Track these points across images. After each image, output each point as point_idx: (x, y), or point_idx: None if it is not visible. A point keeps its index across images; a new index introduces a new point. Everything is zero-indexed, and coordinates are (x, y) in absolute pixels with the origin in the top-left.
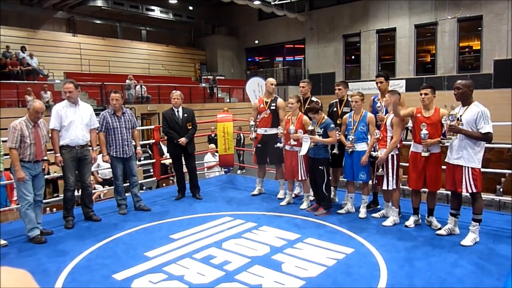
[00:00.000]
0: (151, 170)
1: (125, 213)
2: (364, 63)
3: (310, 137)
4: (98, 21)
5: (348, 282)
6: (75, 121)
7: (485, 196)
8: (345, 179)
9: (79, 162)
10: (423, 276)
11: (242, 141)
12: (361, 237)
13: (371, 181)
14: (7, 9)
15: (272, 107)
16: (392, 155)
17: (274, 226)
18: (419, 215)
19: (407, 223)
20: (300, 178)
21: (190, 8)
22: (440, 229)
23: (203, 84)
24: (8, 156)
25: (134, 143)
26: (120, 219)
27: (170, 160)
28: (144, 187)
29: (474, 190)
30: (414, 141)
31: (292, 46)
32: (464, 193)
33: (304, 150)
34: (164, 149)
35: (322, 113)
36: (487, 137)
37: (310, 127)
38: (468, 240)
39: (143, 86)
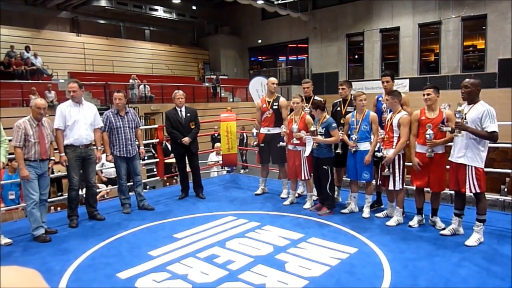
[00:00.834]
0: (155, 170)
1: (129, 212)
2: (367, 62)
3: (313, 137)
4: (101, 21)
5: (352, 281)
6: (79, 121)
7: (490, 196)
8: (349, 179)
9: (83, 161)
10: (427, 276)
11: (245, 141)
12: (364, 237)
13: (374, 180)
14: (11, 9)
15: (274, 107)
16: (399, 155)
17: (278, 226)
18: (423, 215)
19: (411, 223)
20: (303, 178)
21: (193, 7)
22: (444, 229)
23: (206, 84)
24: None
25: (137, 143)
26: (124, 218)
27: (174, 160)
28: (147, 187)
29: (478, 190)
30: (418, 142)
31: (295, 45)
32: (468, 193)
33: (307, 151)
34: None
35: (324, 112)
36: (492, 136)
37: (312, 128)
38: (472, 240)
39: (146, 86)
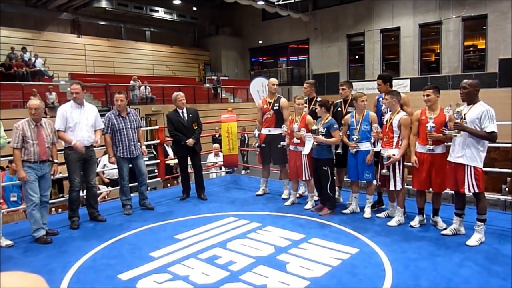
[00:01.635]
0: (156, 171)
1: (130, 213)
2: (368, 62)
3: (314, 136)
4: (102, 22)
5: (353, 282)
6: (80, 122)
7: (491, 195)
8: (350, 179)
9: (84, 162)
10: (429, 276)
11: (246, 141)
12: (366, 237)
13: (375, 181)
14: (12, 10)
15: (275, 107)
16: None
17: (279, 226)
18: (424, 215)
19: (412, 223)
20: (304, 178)
21: (194, 8)
22: (445, 229)
23: (207, 85)
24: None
25: (139, 143)
26: (125, 219)
27: (175, 161)
28: (148, 188)
29: (477, 191)
30: (418, 142)
31: (296, 46)
32: (466, 193)
33: (307, 149)
34: (169, 150)
35: (328, 113)
36: (491, 136)
37: (314, 127)
38: (473, 240)
39: (147, 87)
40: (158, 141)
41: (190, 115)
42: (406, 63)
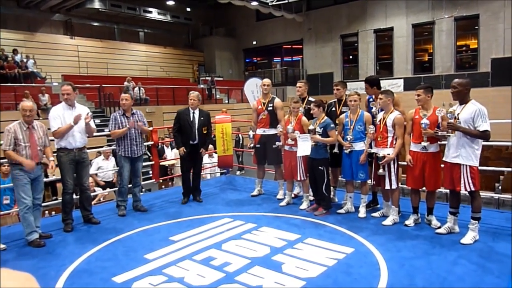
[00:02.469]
0: (150, 172)
1: (124, 214)
2: (362, 63)
3: (311, 136)
4: (95, 23)
5: (349, 282)
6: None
7: (484, 194)
8: (344, 179)
9: (77, 164)
10: (424, 275)
11: (241, 142)
12: (361, 237)
13: (369, 180)
14: (4, 12)
15: (269, 108)
16: None
17: (274, 227)
18: (419, 214)
19: (407, 222)
20: (299, 179)
21: (188, 9)
22: (439, 227)
23: (201, 86)
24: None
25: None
26: (119, 221)
27: (170, 162)
28: (143, 189)
29: (473, 189)
30: (412, 141)
31: (290, 46)
32: (462, 191)
33: (306, 150)
34: (167, 151)
35: (324, 112)
36: (485, 135)
37: (311, 127)
38: (467, 239)
39: (141, 88)
40: (152, 142)
41: (202, 118)
42: (400, 63)
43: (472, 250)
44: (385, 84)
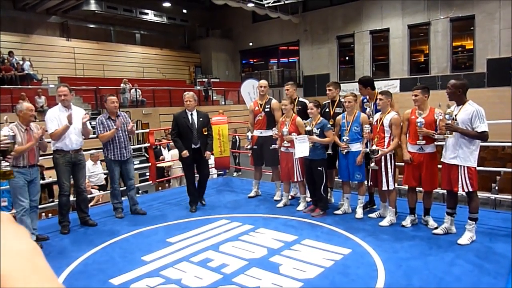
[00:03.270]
0: (147, 174)
1: (122, 216)
2: (358, 64)
3: (309, 137)
4: (91, 25)
5: (346, 282)
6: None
7: (481, 194)
8: (341, 180)
9: (73, 166)
10: (421, 275)
11: (237, 143)
12: (358, 238)
13: (366, 181)
14: (0, 14)
15: (266, 109)
16: (390, 155)
17: (271, 228)
18: (416, 215)
19: (403, 222)
20: (295, 180)
21: (184, 11)
22: (436, 228)
23: (198, 87)
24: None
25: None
26: (116, 223)
27: (167, 163)
28: (140, 191)
29: (471, 189)
30: (409, 142)
31: (286, 48)
32: (460, 192)
33: (304, 151)
34: (165, 152)
35: (318, 113)
36: (483, 136)
37: (308, 128)
38: (464, 239)
39: (137, 90)
40: (148, 144)
41: (201, 119)
42: (396, 64)
43: (469, 250)
44: (381, 85)
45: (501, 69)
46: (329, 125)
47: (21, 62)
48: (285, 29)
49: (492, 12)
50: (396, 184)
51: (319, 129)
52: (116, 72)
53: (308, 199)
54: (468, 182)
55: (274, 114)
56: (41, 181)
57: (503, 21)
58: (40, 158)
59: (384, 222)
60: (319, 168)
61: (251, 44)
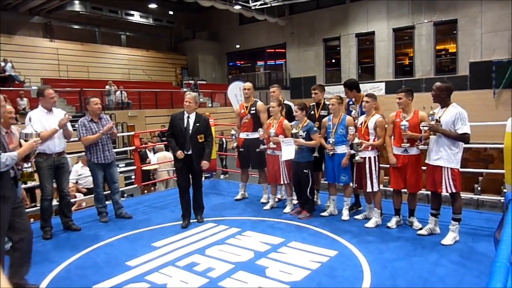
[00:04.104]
0: (133, 177)
1: (107, 221)
2: (344, 66)
3: (295, 140)
4: (76, 26)
5: (332, 284)
6: (51, 128)
7: (464, 195)
8: (327, 182)
9: (56, 170)
10: (406, 276)
11: (224, 146)
12: (344, 239)
13: (352, 183)
14: None
15: (252, 111)
16: (375, 157)
17: (258, 231)
18: (401, 216)
19: (389, 224)
20: (282, 182)
21: (170, 12)
22: (421, 229)
23: (185, 89)
24: None
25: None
26: (100, 228)
27: (153, 166)
28: (125, 194)
29: (454, 190)
30: (394, 144)
31: (273, 50)
32: (444, 193)
33: (290, 154)
34: (150, 155)
35: (304, 116)
36: (464, 138)
37: (294, 130)
38: (448, 239)
39: (123, 92)
40: (133, 147)
41: (197, 124)
42: (381, 66)
43: (453, 250)
44: (367, 87)
45: (483, 72)
46: (315, 128)
47: (2, 64)
48: (272, 31)
49: (474, 16)
50: (381, 186)
51: (305, 132)
52: (101, 73)
53: (295, 202)
54: (451, 183)
55: (259, 116)
56: (23, 185)
57: (485, 25)
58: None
59: (370, 224)
60: (305, 170)
61: (238, 46)
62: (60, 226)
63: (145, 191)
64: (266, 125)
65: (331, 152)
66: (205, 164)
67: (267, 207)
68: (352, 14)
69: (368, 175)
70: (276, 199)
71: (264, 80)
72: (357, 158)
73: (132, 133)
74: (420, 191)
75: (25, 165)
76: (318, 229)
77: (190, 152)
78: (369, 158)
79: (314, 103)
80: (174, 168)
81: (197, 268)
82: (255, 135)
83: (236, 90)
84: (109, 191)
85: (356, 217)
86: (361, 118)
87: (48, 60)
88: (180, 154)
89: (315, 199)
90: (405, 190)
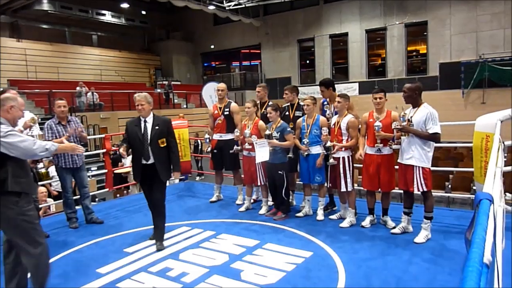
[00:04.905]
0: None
1: (76, 226)
2: (318, 67)
3: (269, 141)
4: (44, 26)
5: (307, 285)
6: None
7: (435, 193)
8: (302, 182)
9: None
10: (380, 275)
11: (200, 147)
12: (319, 240)
13: (326, 183)
14: None
15: (225, 112)
16: (348, 157)
17: (233, 234)
18: (375, 215)
19: (363, 223)
20: (259, 183)
21: (143, 12)
22: (394, 228)
23: (158, 90)
24: None
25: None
26: (70, 234)
27: (125, 170)
28: (97, 199)
29: (425, 189)
30: (367, 144)
31: (248, 51)
32: (415, 191)
33: (264, 155)
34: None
35: (278, 116)
36: (435, 137)
37: (267, 132)
38: (420, 237)
39: (95, 93)
40: (104, 150)
41: (157, 127)
42: (355, 67)
43: (425, 248)
44: (341, 88)
45: (452, 72)
46: (289, 129)
47: None
48: (247, 32)
49: (444, 18)
50: (355, 185)
51: (279, 133)
52: (72, 74)
53: (270, 203)
54: (423, 182)
55: (233, 117)
56: None
57: (454, 27)
58: None
59: (344, 223)
60: (279, 171)
61: (212, 46)
62: None
63: (118, 195)
64: (241, 126)
65: (306, 153)
66: (176, 174)
67: (242, 208)
68: (325, 15)
69: (342, 175)
70: (252, 200)
71: (240, 81)
72: (330, 161)
73: (103, 135)
74: (393, 190)
75: (39, 165)
76: (293, 230)
77: (151, 162)
78: (343, 158)
79: (288, 104)
80: None
81: (170, 274)
82: (228, 136)
83: (211, 91)
84: (79, 196)
85: (331, 217)
86: (334, 119)
87: (15, 61)
88: (124, 149)
89: (290, 200)
90: (379, 189)
